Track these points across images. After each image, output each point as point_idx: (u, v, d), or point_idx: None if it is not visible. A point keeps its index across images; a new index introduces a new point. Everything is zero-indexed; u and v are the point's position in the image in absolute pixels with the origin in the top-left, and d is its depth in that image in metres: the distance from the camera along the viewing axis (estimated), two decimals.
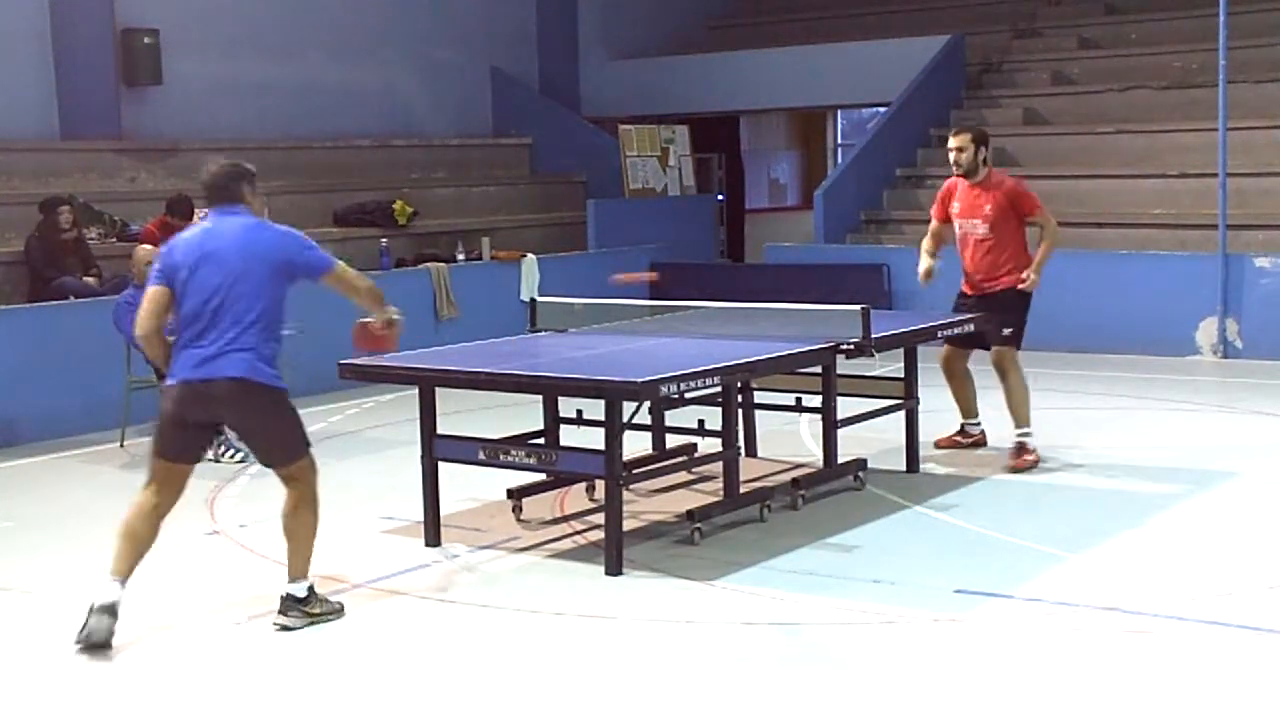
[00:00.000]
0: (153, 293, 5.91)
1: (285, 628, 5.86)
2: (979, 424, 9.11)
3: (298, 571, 5.93)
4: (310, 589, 5.93)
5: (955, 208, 8.81)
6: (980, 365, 8.93)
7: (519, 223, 16.11)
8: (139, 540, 5.85)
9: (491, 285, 13.84)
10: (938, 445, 9.03)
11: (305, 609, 5.90)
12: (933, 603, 6.03)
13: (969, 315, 8.62)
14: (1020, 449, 8.58)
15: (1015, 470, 8.45)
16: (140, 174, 13.64)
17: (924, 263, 8.80)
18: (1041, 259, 8.63)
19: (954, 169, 8.75)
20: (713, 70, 17.93)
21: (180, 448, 5.92)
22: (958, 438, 9.08)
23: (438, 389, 7.10)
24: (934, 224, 9.02)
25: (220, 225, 5.94)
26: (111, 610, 5.68)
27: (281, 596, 5.91)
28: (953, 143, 8.74)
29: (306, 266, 5.94)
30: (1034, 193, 8.82)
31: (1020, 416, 8.66)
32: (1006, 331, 8.61)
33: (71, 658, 5.63)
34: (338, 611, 6.01)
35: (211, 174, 6.03)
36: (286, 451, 5.95)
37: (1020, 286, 8.60)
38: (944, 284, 8.93)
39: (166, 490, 5.91)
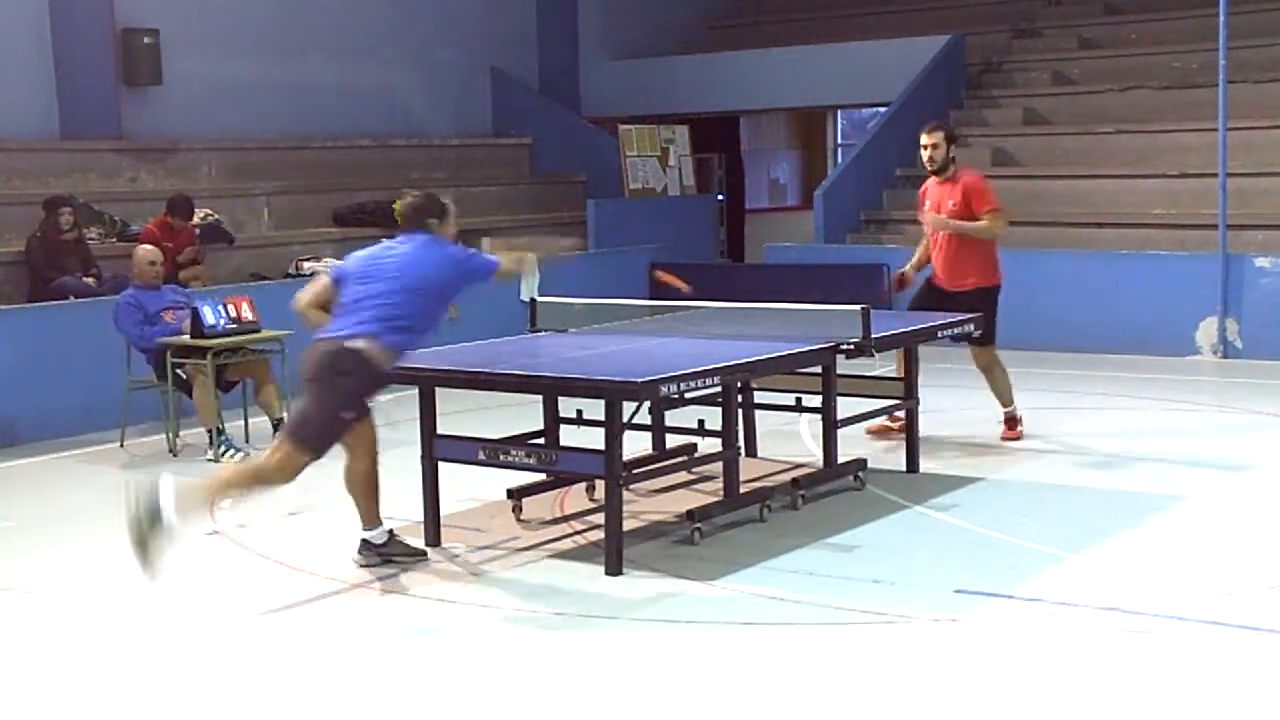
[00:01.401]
0: None
1: (363, 565, 6.68)
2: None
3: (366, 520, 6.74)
4: (389, 534, 6.75)
5: (926, 205, 9.18)
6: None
7: (519, 223, 16.08)
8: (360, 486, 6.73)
9: (491, 285, 13.80)
10: (869, 432, 9.12)
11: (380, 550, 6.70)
12: (933, 603, 6.03)
13: (939, 309, 8.90)
14: (1011, 421, 9.09)
15: (1009, 440, 8.97)
16: (140, 174, 13.65)
17: (908, 265, 9.43)
18: (959, 227, 8.94)
19: (927, 165, 9.07)
20: (713, 70, 17.92)
21: None
22: (888, 422, 9.18)
23: (438, 389, 7.11)
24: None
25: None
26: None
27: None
28: (925, 140, 9.03)
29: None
30: (993, 191, 9.08)
31: (1005, 398, 9.14)
32: (977, 333, 8.79)
33: (72, 658, 5.64)
34: (417, 555, 6.78)
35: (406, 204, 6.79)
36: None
37: (899, 287, 9.37)
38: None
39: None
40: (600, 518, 6.78)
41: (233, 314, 9.54)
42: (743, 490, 7.42)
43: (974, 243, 8.95)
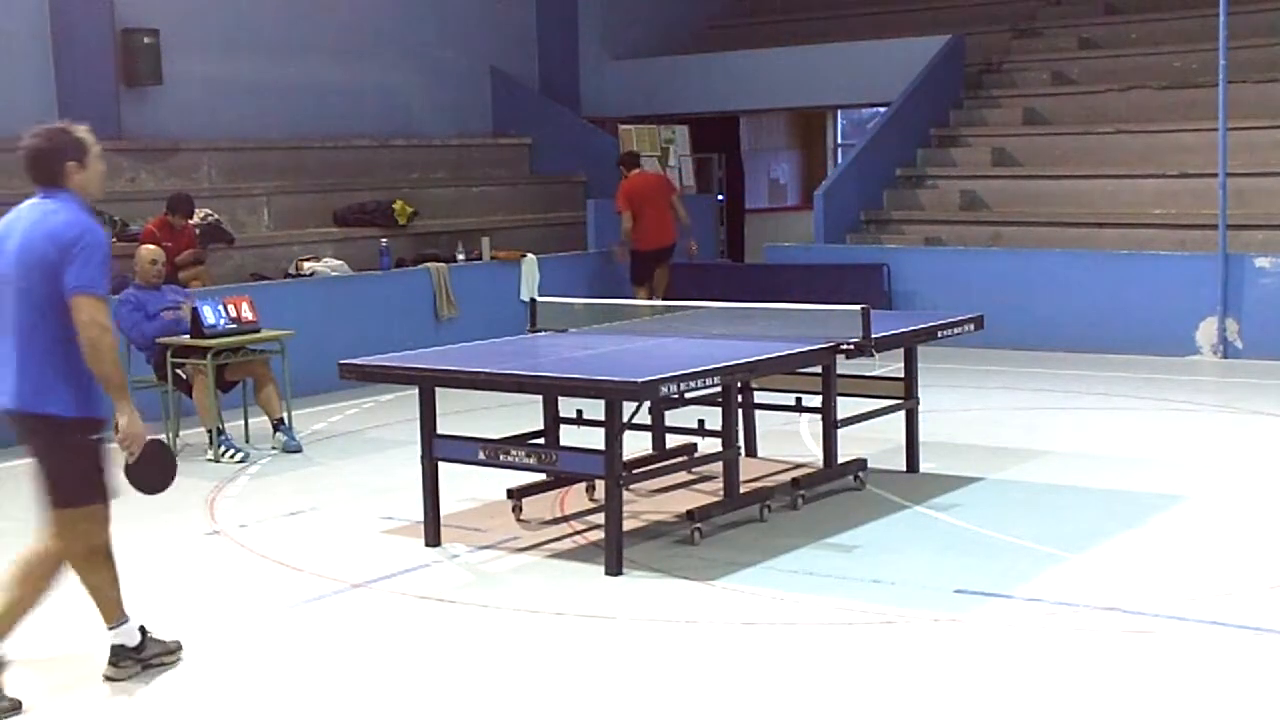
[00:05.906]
0: None
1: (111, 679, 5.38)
2: None
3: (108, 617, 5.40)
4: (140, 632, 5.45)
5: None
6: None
7: (519, 223, 16.11)
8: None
9: (491, 285, 13.84)
10: None
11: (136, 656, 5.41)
12: (933, 603, 6.03)
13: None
14: None
15: None
16: (140, 174, 13.64)
17: None
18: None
19: None
20: (713, 70, 17.92)
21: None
22: None
23: (438, 389, 7.11)
24: None
25: (21, 209, 5.13)
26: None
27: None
28: None
29: (64, 275, 4.90)
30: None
31: None
32: None
33: (71, 658, 5.63)
34: (173, 652, 5.51)
35: (28, 147, 5.07)
36: (55, 495, 5.37)
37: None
38: (942, 284, 8.93)
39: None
40: (600, 518, 6.78)
41: (232, 314, 9.55)
42: (743, 490, 7.42)
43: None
